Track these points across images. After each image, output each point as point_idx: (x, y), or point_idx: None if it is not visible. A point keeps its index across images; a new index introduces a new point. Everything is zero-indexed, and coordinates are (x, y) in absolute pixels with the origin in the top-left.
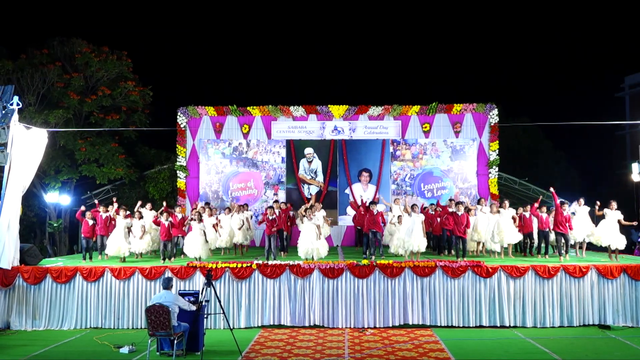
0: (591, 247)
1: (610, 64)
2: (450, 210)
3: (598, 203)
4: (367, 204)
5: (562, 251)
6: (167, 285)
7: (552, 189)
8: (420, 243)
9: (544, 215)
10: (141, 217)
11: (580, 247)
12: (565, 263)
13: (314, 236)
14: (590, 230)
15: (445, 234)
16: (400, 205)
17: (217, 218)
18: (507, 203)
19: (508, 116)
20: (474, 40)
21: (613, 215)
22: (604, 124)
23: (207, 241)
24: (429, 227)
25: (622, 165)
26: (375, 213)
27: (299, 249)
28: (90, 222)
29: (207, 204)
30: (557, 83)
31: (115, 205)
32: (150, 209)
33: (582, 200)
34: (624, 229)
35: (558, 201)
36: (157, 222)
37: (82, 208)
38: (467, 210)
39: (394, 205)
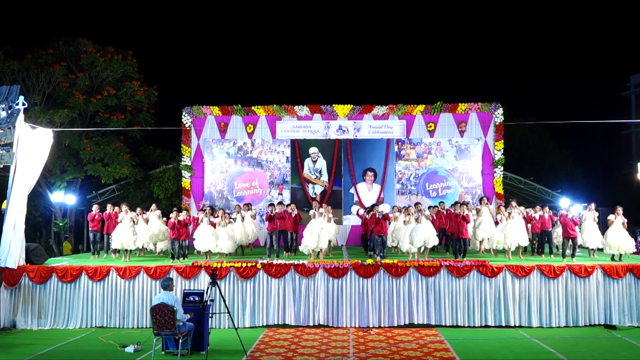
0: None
1: (616, 62)
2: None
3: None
4: (376, 214)
5: (569, 254)
6: (166, 285)
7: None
8: (428, 237)
9: (546, 214)
10: (143, 213)
11: (592, 254)
12: (571, 263)
13: (319, 227)
14: (600, 237)
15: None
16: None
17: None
18: (514, 204)
19: (514, 115)
20: (479, 39)
21: (620, 220)
22: (610, 123)
23: (215, 234)
24: (442, 225)
25: (627, 164)
26: (381, 217)
27: (308, 239)
28: (95, 212)
29: (212, 207)
30: (563, 82)
31: (109, 208)
32: (156, 209)
33: (592, 206)
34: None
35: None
36: (171, 224)
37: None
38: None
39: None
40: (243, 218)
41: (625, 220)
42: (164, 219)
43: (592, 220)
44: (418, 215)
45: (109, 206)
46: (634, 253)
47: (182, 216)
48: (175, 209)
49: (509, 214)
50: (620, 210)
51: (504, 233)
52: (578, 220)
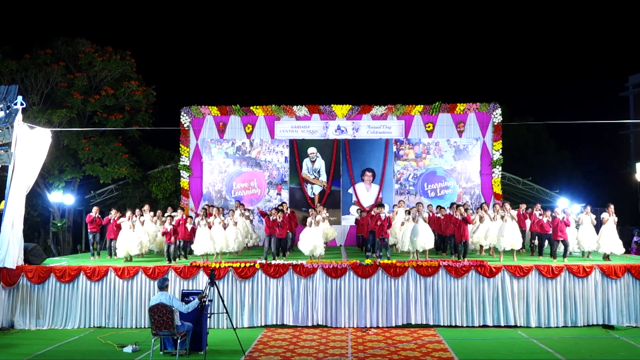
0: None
1: (614, 63)
2: (453, 216)
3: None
4: (377, 213)
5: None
6: (162, 285)
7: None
8: (426, 241)
9: (546, 219)
10: (141, 215)
11: (588, 257)
12: (569, 263)
13: (317, 236)
14: (595, 240)
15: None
16: (405, 208)
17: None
18: (507, 205)
19: (513, 115)
20: (478, 39)
21: (612, 219)
22: (609, 124)
23: (212, 237)
24: (438, 229)
25: (626, 164)
26: (383, 218)
27: (303, 247)
28: (95, 215)
29: (210, 206)
30: (562, 82)
31: (113, 212)
32: (149, 210)
33: (589, 208)
34: (624, 230)
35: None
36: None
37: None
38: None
39: (399, 209)
40: (243, 215)
41: (616, 219)
42: (162, 218)
43: (589, 223)
44: (415, 215)
45: (113, 211)
46: (629, 252)
47: (178, 215)
48: (169, 211)
49: (502, 217)
50: (612, 208)
51: (497, 234)
52: (569, 221)
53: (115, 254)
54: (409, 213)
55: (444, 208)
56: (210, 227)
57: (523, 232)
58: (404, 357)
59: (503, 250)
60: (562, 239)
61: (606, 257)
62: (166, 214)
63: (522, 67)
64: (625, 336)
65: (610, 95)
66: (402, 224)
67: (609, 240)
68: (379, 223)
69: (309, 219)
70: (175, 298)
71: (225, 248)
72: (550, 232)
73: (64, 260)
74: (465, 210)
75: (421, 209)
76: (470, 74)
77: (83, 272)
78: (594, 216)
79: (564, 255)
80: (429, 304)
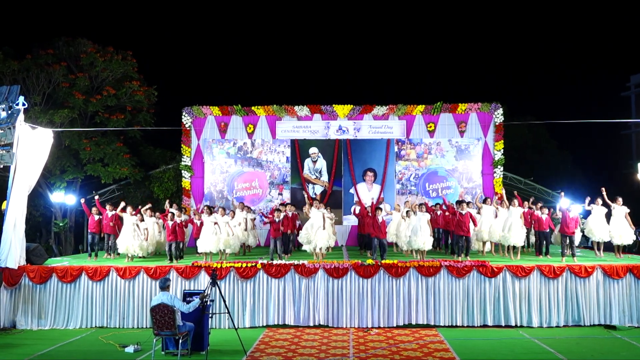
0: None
1: (616, 62)
2: (457, 210)
3: (588, 198)
4: (374, 208)
5: (566, 252)
6: (164, 285)
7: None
8: (425, 241)
9: (544, 216)
10: (142, 220)
11: (599, 249)
12: (571, 263)
13: (319, 224)
14: (607, 230)
15: (453, 233)
16: (403, 212)
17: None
18: (515, 201)
19: (513, 115)
20: (479, 39)
21: (620, 210)
22: (610, 123)
23: (218, 233)
24: (437, 226)
25: (627, 164)
26: (380, 221)
27: (301, 234)
28: (96, 217)
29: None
30: (563, 82)
31: (122, 204)
32: (151, 215)
33: (599, 200)
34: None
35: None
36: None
37: (83, 200)
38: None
39: (395, 213)
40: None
41: (628, 212)
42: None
43: (602, 215)
44: (415, 211)
45: (108, 206)
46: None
47: (181, 218)
48: (173, 208)
49: (504, 206)
50: (620, 200)
51: (502, 228)
52: (578, 219)
53: (117, 253)
54: (409, 215)
55: (439, 204)
56: (216, 223)
57: (528, 230)
58: (406, 357)
59: (508, 245)
60: (569, 234)
61: (618, 252)
62: (170, 209)
63: (522, 67)
64: (627, 336)
65: (612, 95)
66: (402, 217)
67: (619, 230)
68: (376, 225)
69: (313, 209)
70: (176, 298)
71: (228, 247)
72: (548, 230)
73: (66, 260)
74: (470, 207)
75: (422, 209)
76: (470, 74)
77: (85, 272)
78: (605, 209)
79: (572, 254)
80: (430, 304)
